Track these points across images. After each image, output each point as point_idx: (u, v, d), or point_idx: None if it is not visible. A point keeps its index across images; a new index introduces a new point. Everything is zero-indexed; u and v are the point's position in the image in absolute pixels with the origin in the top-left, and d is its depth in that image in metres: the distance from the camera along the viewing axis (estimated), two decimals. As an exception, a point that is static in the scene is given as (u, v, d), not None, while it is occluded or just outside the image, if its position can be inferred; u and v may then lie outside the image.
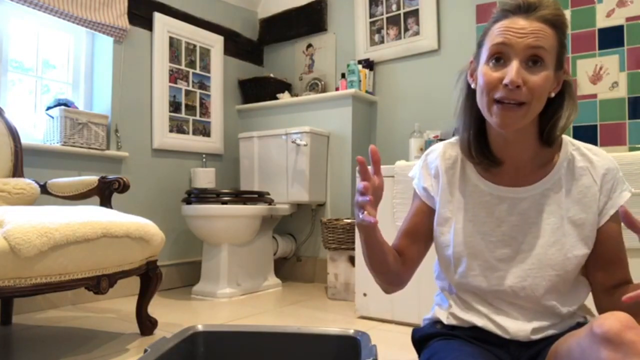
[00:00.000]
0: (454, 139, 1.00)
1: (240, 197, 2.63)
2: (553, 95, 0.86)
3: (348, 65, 2.90)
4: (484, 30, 0.89)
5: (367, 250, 0.93)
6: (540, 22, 0.81)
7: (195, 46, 3.04)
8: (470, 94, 0.92)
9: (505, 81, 0.80)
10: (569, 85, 0.88)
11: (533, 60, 0.81)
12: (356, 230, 2.18)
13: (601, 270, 0.90)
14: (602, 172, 0.89)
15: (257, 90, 3.29)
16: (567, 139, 0.93)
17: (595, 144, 2.23)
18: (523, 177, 0.91)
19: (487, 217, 0.93)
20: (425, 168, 1.02)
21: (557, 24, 0.83)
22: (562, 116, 0.87)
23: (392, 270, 0.96)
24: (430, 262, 1.07)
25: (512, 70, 0.80)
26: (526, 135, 0.88)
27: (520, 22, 0.82)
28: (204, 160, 3.08)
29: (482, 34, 0.89)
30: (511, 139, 0.89)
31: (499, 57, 0.83)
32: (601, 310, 0.89)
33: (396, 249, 1.00)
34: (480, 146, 0.92)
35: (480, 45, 0.89)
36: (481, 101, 0.86)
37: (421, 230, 1.01)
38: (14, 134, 2.04)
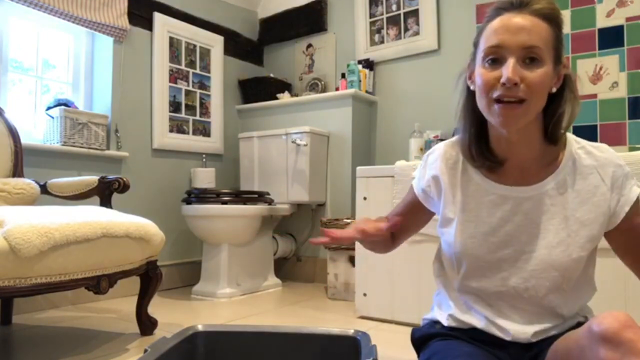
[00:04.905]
0: (454, 139, 0.99)
1: (240, 197, 2.63)
2: (554, 90, 0.85)
3: (348, 65, 2.90)
4: (479, 31, 0.88)
5: (373, 250, 1.09)
6: (533, 16, 0.81)
7: (195, 46, 3.04)
8: (470, 96, 0.91)
9: (503, 79, 0.79)
10: (569, 80, 0.87)
11: (530, 58, 0.80)
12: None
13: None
14: (611, 170, 0.87)
15: (257, 90, 3.29)
16: (572, 137, 0.92)
17: (595, 144, 2.24)
18: (527, 176, 0.90)
19: (489, 217, 0.91)
20: (425, 169, 1.02)
21: (551, 18, 0.82)
22: (565, 111, 0.86)
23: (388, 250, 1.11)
24: (429, 261, 1.07)
25: (509, 68, 0.79)
26: (530, 134, 0.87)
27: (513, 19, 0.81)
28: (204, 160, 3.08)
29: (478, 33, 0.88)
30: (514, 139, 0.87)
31: (495, 58, 0.82)
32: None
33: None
34: (480, 148, 0.91)
35: (475, 45, 0.88)
36: (481, 102, 0.86)
37: (412, 221, 1.08)
38: (14, 134, 2.04)
